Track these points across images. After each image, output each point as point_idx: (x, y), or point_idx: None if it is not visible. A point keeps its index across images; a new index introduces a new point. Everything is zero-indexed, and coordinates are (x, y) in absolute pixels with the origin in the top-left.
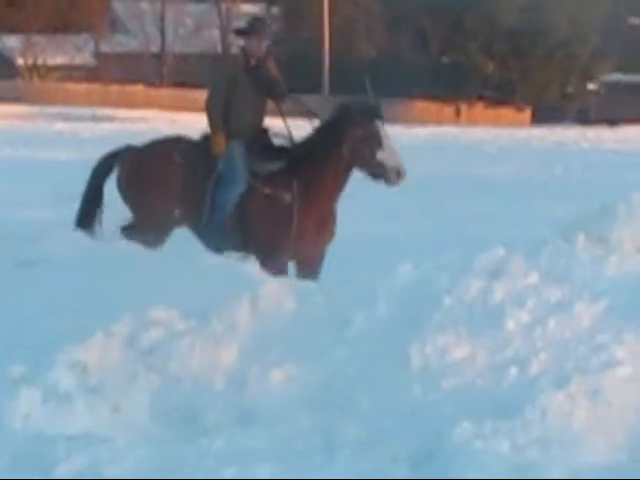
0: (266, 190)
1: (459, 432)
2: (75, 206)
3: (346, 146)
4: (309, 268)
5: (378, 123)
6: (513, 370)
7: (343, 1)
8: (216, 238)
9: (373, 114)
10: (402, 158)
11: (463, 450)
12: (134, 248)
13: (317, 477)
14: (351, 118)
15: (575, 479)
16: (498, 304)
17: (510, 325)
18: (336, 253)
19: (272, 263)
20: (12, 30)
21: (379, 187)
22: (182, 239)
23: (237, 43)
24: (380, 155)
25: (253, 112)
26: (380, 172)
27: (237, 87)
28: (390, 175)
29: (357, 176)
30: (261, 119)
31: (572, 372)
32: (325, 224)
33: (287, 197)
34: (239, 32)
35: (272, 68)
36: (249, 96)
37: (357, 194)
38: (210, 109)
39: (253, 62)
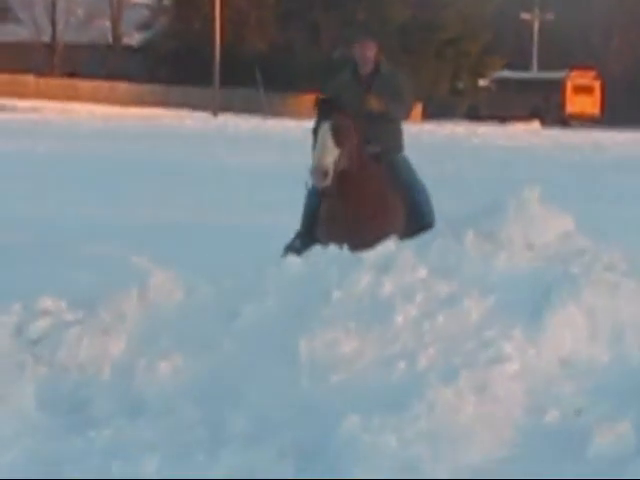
0: None
1: (347, 426)
2: None
3: None
4: None
5: (322, 123)
6: (401, 364)
7: None
8: None
9: (322, 111)
10: (323, 159)
11: (350, 445)
12: (19, 238)
13: (203, 471)
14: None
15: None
16: (387, 298)
17: (399, 319)
18: (225, 243)
19: None
20: None
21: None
22: (73, 230)
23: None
24: (313, 153)
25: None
26: None
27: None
28: (310, 174)
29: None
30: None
31: (460, 367)
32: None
33: None
34: (349, 42)
35: (399, 84)
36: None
37: (254, 185)
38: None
39: (365, 72)
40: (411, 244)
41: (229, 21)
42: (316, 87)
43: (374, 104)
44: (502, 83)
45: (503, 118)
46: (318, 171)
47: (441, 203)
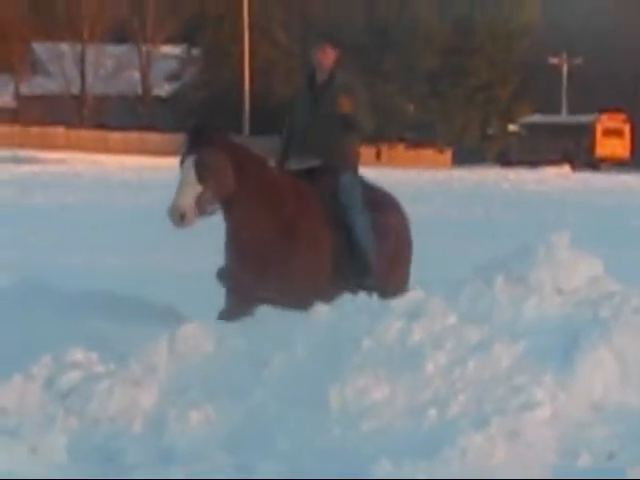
0: None
1: (378, 472)
2: None
3: None
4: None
5: (186, 158)
6: (432, 411)
7: (263, 42)
8: None
9: (186, 144)
10: (178, 203)
11: None
12: (49, 290)
13: None
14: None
15: None
16: (417, 345)
17: (429, 366)
18: None
19: None
20: None
21: None
22: (104, 279)
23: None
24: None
25: (317, 136)
26: None
27: (299, 110)
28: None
29: None
30: (327, 146)
31: (491, 413)
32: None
33: None
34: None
35: (356, 94)
36: (306, 123)
37: None
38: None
39: (320, 79)
40: (440, 290)
41: (258, 70)
42: None
43: (345, 107)
44: (532, 128)
45: (533, 163)
46: (174, 212)
47: (471, 248)
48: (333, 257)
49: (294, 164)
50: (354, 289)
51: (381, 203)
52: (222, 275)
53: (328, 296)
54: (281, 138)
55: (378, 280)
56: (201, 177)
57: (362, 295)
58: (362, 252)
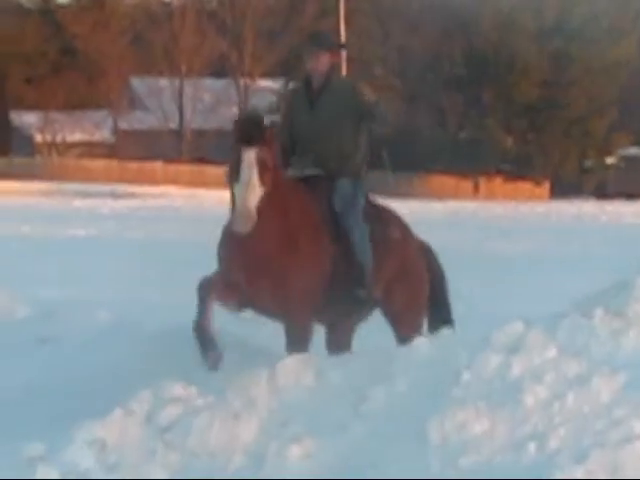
0: None
1: None
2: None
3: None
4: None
5: (246, 151)
6: (532, 445)
7: (361, 78)
8: None
9: (243, 135)
10: (249, 201)
11: None
12: (147, 324)
13: None
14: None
15: None
16: (517, 379)
17: (529, 400)
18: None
19: None
20: (30, 107)
21: None
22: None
23: None
24: (234, 187)
25: (315, 142)
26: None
27: (296, 114)
28: (231, 217)
29: None
30: (326, 152)
31: (591, 447)
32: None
33: None
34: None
35: (364, 94)
36: (305, 128)
37: None
38: None
39: (316, 84)
40: (540, 324)
41: None
42: (443, 167)
43: (368, 92)
44: (630, 160)
45: (631, 195)
46: (243, 217)
47: (569, 282)
48: (332, 268)
49: (291, 171)
50: (348, 301)
51: (384, 218)
52: (205, 285)
53: (320, 309)
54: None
55: (372, 295)
56: (261, 177)
57: (460, 329)
58: (357, 262)
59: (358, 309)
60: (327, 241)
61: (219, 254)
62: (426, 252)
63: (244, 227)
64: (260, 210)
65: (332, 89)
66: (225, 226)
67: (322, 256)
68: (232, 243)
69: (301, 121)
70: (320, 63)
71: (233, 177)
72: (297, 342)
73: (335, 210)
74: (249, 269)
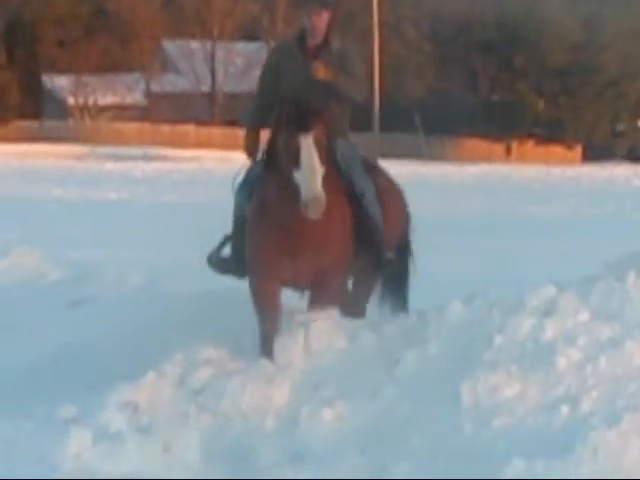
0: None
1: (511, 471)
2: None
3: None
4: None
5: (303, 137)
6: (564, 408)
7: (393, 40)
8: None
9: (298, 122)
10: (318, 185)
11: None
12: (179, 287)
13: None
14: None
15: None
16: (549, 342)
17: (561, 363)
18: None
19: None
20: (63, 70)
21: (422, 224)
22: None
23: None
24: (296, 175)
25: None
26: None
27: (287, 75)
28: (302, 206)
29: None
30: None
31: (623, 410)
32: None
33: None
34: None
35: (350, 59)
36: (302, 87)
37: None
38: (252, 103)
39: (313, 43)
40: (572, 287)
41: (388, 68)
42: (474, 131)
43: (321, 72)
44: None
45: None
46: (316, 202)
47: (602, 245)
48: (353, 231)
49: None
50: (370, 264)
51: (375, 172)
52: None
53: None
54: (256, 105)
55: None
56: (322, 160)
57: (494, 293)
58: (373, 224)
59: (376, 271)
60: (348, 202)
61: (258, 230)
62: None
63: (318, 212)
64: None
65: (330, 50)
66: (262, 202)
67: (350, 219)
68: (284, 218)
69: (294, 79)
70: (322, 21)
71: (291, 163)
72: (335, 302)
73: (342, 171)
74: (303, 239)
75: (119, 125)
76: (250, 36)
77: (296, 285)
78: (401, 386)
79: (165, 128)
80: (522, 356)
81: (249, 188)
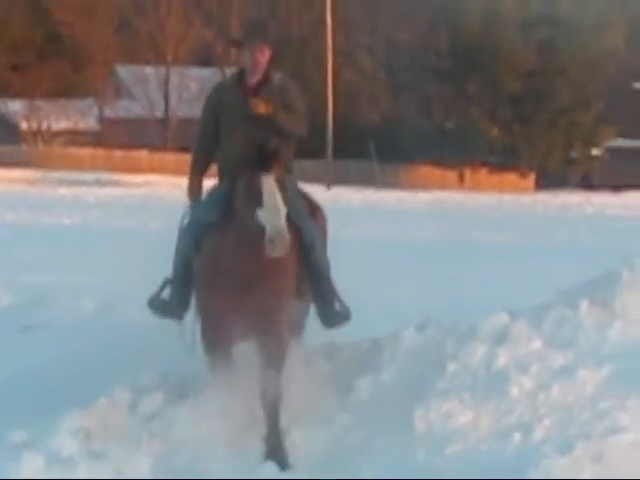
0: None
1: None
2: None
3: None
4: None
5: (265, 176)
6: (517, 436)
7: (346, 66)
8: None
9: (258, 163)
10: (282, 222)
11: None
12: (132, 313)
13: None
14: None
15: None
16: (502, 370)
17: (514, 391)
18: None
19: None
20: (16, 95)
21: (375, 250)
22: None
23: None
24: (261, 214)
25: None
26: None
27: (227, 114)
28: (267, 244)
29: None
30: None
31: (576, 438)
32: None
33: None
34: (233, 43)
35: (293, 96)
36: (243, 127)
37: (351, 256)
38: (195, 146)
39: (253, 80)
40: (525, 315)
41: (342, 94)
42: (428, 158)
43: (261, 107)
44: (616, 152)
45: (617, 187)
46: (280, 241)
47: (555, 273)
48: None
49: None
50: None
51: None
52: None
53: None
54: (198, 147)
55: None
56: (284, 199)
57: (447, 319)
58: (324, 275)
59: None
60: (297, 251)
61: (209, 279)
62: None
63: (282, 250)
64: None
65: (270, 86)
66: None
67: (298, 268)
68: (237, 272)
69: (234, 119)
70: (264, 57)
71: (254, 204)
72: (284, 357)
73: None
74: (256, 292)
75: (72, 150)
76: (204, 62)
77: (245, 339)
78: (354, 413)
79: (118, 153)
80: (475, 384)
81: (195, 235)
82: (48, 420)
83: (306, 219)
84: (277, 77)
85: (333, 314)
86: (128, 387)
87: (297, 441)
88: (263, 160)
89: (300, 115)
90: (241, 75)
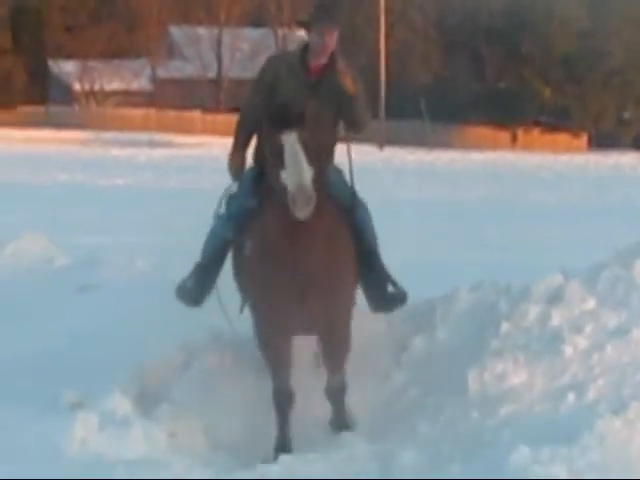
0: None
1: (517, 458)
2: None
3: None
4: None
5: (286, 135)
6: (571, 396)
7: (399, 27)
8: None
9: (281, 122)
10: (304, 178)
11: (521, 476)
12: (185, 271)
13: None
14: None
15: None
16: (556, 330)
17: (568, 351)
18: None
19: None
20: (69, 56)
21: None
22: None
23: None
24: (283, 175)
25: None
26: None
27: (283, 91)
28: (290, 203)
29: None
30: (321, 145)
31: (630, 398)
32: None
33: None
34: (301, 24)
35: (350, 83)
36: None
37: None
38: (240, 117)
39: (319, 62)
40: (579, 275)
41: (394, 54)
42: (480, 118)
43: (349, 84)
44: None
45: None
46: (302, 195)
47: (610, 233)
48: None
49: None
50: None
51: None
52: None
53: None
54: (243, 120)
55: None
56: (310, 159)
57: (502, 280)
58: (377, 259)
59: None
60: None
61: (263, 278)
62: None
63: (306, 210)
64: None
65: (334, 71)
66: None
67: (354, 254)
68: (289, 259)
69: (291, 98)
70: (332, 40)
71: (277, 165)
72: (348, 349)
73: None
74: (311, 279)
75: (125, 111)
76: (257, 22)
77: (305, 332)
78: (409, 372)
79: (171, 114)
80: (528, 344)
81: (235, 220)
82: (102, 381)
83: (355, 199)
84: (340, 64)
85: (387, 297)
86: (182, 347)
87: (354, 399)
88: (284, 118)
89: (365, 107)
90: (304, 54)
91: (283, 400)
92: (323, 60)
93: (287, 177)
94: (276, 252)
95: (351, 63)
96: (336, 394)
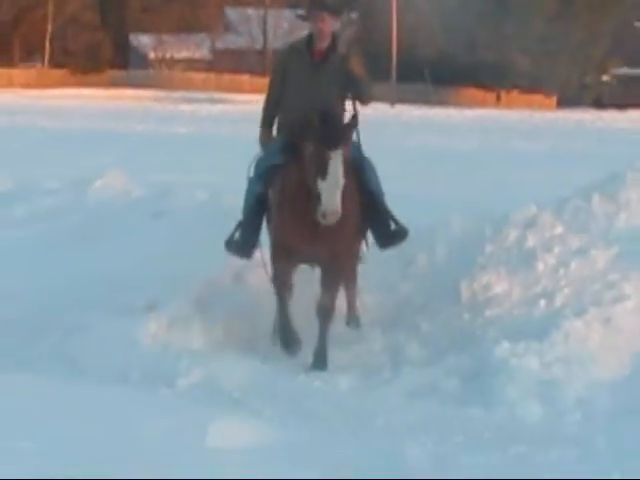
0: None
1: (499, 351)
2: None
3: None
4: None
5: (332, 153)
6: (542, 302)
7: (409, 10)
8: None
9: (329, 137)
10: (338, 199)
11: (502, 366)
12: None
13: (387, 386)
14: (309, 137)
15: None
16: (530, 250)
17: (540, 266)
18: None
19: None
20: (145, 30)
21: (427, 157)
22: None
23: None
24: (320, 185)
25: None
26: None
27: (294, 74)
28: (319, 211)
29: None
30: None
31: (589, 304)
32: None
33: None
34: (300, 17)
35: (355, 65)
36: (305, 89)
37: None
38: (265, 101)
39: (322, 45)
40: (549, 206)
41: (404, 32)
42: (472, 83)
43: (356, 66)
44: (621, 78)
45: (621, 106)
46: (334, 216)
47: (573, 174)
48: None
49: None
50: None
51: None
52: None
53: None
54: (266, 103)
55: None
56: (345, 173)
57: (487, 210)
58: (383, 207)
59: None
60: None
61: (281, 205)
62: None
63: (333, 221)
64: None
65: (335, 56)
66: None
67: (360, 203)
68: (305, 209)
69: (301, 82)
70: (326, 25)
71: (319, 173)
72: (344, 278)
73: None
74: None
75: (190, 74)
76: (295, 5)
77: (311, 263)
78: (413, 283)
79: (226, 77)
80: (509, 260)
81: (265, 176)
82: (170, 289)
83: (361, 154)
84: (342, 46)
85: (390, 234)
86: (232, 264)
87: (368, 305)
88: (334, 136)
89: (369, 82)
90: (310, 39)
91: (282, 287)
92: (325, 43)
93: (324, 191)
94: (296, 194)
95: (362, 49)
96: (323, 315)
